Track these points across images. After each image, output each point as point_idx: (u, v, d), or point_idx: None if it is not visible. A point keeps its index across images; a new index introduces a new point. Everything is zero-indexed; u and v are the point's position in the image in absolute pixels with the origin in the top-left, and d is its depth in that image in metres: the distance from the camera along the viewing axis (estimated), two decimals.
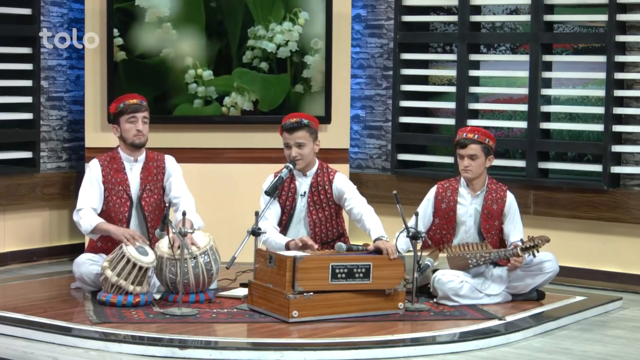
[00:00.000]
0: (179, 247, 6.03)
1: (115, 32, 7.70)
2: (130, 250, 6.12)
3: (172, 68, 7.77)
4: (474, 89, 7.89)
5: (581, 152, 7.62)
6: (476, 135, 6.52)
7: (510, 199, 6.64)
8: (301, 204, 6.51)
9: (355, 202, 6.44)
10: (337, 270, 5.93)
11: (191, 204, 6.55)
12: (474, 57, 7.86)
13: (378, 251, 6.10)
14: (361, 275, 5.98)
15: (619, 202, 7.31)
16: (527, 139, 7.61)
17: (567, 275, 7.31)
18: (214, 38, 7.80)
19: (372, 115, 8.30)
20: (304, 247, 6.17)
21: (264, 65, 7.80)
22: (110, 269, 6.10)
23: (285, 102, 7.83)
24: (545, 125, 7.60)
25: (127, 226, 6.47)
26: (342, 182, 6.52)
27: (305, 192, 6.51)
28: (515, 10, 7.86)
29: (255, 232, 6.05)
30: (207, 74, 7.79)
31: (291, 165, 6.40)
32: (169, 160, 6.71)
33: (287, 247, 6.24)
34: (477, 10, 7.85)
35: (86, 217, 6.40)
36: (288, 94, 7.85)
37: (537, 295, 6.60)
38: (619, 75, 7.30)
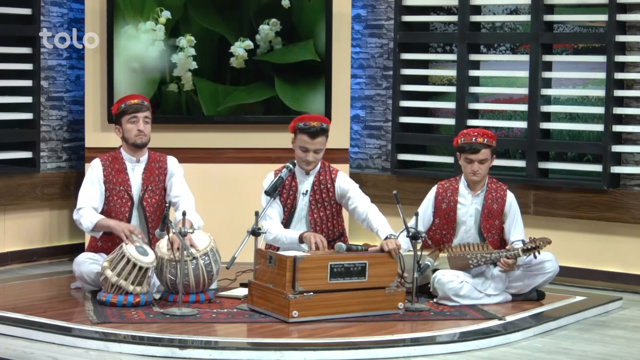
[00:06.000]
0: (178, 248, 6.03)
1: None
2: (130, 250, 6.11)
3: None
4: (474, 89, 7.89)
5: (581, 152, 7.62)
6: (486, 139, 6.51)
7: (511, 198, 6.64)
8: (302, 202, 6.50)
9: (359, 200, 6.46)
10: (336, 269, 5.93)
11: (191, 203, 6.55)
12: (474, 57, 7.85)
13: (382, 251, 6.11)
14: (357, 273, 5.99)
15: (619, 202, 7.31)
16: (527, 139, 7.61)
17: (567, 275, 7.31)
18: None
19: (372, 115, 8.30)
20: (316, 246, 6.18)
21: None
22: (110, 269, 6.10)
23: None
24: (545, 125, 7.60)
25: None
26: (344, 181, 6.53)
27: (307, 191, 6.50)
28: (515, 10, 7.86)
29: (255, 232, 6.04)
30: None
31: (291, 165, 6.40)
32: (171, 160, 6.70)
33: (301, 239, 6.24)
34: (477, 10, 7.85)
35: (87, 215, 6.39)
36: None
37: (537, 295, 6.60)
38: (619, 75, 7.30)
